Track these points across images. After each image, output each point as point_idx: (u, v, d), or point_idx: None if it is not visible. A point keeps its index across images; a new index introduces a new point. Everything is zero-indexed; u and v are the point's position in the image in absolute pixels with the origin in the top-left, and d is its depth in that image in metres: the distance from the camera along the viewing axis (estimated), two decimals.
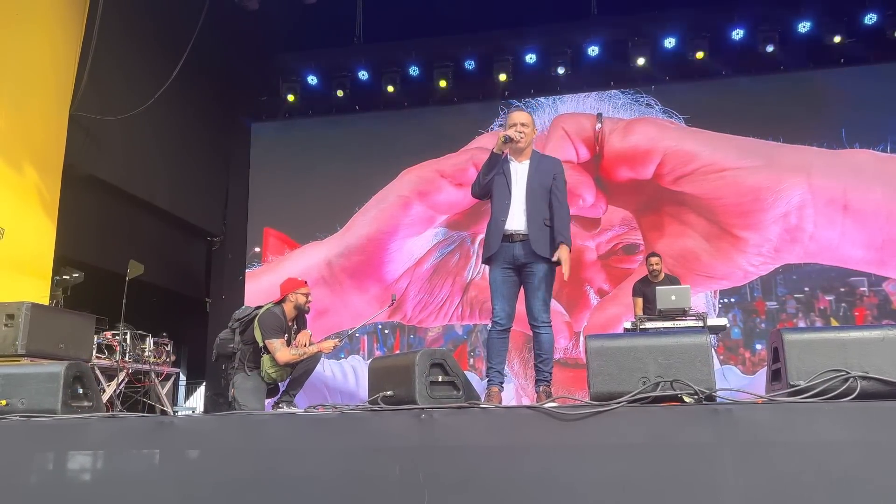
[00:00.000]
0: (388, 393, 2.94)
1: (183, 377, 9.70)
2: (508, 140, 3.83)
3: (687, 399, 2.44)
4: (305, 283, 5.15)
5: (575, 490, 2.27)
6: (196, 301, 9.66)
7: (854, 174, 7.96)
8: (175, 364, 7.28)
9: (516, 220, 3.83)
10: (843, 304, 7.94)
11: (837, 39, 8.05)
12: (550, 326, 3.76)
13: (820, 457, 2.17)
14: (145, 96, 7.52)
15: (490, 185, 3.93)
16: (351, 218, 9.13)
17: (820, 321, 7.92)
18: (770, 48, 8.17)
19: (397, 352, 8.67)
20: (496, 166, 3.92)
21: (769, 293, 8.12)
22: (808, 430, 2.22)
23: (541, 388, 3.67)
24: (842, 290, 7.97)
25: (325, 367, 8.77)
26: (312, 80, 9.30)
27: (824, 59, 8.28)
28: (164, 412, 6.84)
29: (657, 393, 2.44)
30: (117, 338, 6.55)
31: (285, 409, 4.70)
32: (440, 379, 2.94)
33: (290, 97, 9.34)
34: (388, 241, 8.92)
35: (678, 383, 2.43)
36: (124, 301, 6.70)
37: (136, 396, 6.88)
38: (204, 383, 9.78)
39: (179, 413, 8.30)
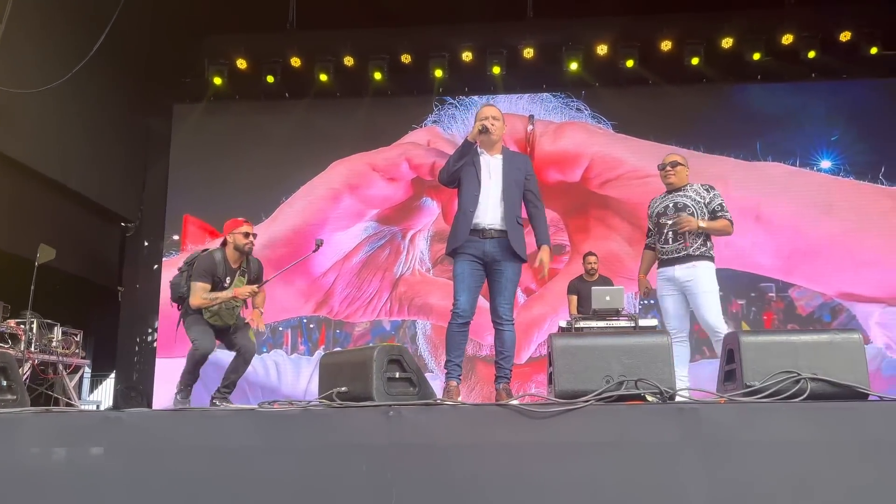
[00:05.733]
0: (343, 389, 2.87)
1: (88, 369, 9.21)
2: (484, 130, 3.84)
3: (650, 398, 2.49)
4: (245, 221, 4.75)
5: (543, 487, 2.28)
6: (107, 290, 9.17)
7: (767, 186, 8.40)
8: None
9: (490, 215, 3.82)
10: (754, 308, 8.38)
11: (756, 56, 8.47)
12: (513, 324, 3.79)
13: (777, 455, 2.27)
14: (62, 71, 7.05)
15: (458, 173, 3.91)
16: (277, 208, 8.89)
17: (732, 324, 8.31)
18: (695, 60, 8.51)
19: (322, 347, 8.51)
20: (467, 154, 3.90)
21: None
22: (766, 428, 2.31)
23: (501, 385, 3.68)
24: (752, 294, 8.40)
25: None
26: (241, 63, 8.97)
27: (744, 75, 8.69)
28: (69, 405, 6.48)
29: (622, 392, 2.49)
30: (22, 326, 6.17)
31: (219, 405, 4.52)
32: (397, 375, 2.90)
33: (217, 80, 8.96)
34: (315, 234, 8.73)
35: (643, 382, 2.48)
36: (33, 287, 6.28)
37: (41, 389, 6.50)
38: (113, 376, 9.32)
39: (83, 407, 7.86)
